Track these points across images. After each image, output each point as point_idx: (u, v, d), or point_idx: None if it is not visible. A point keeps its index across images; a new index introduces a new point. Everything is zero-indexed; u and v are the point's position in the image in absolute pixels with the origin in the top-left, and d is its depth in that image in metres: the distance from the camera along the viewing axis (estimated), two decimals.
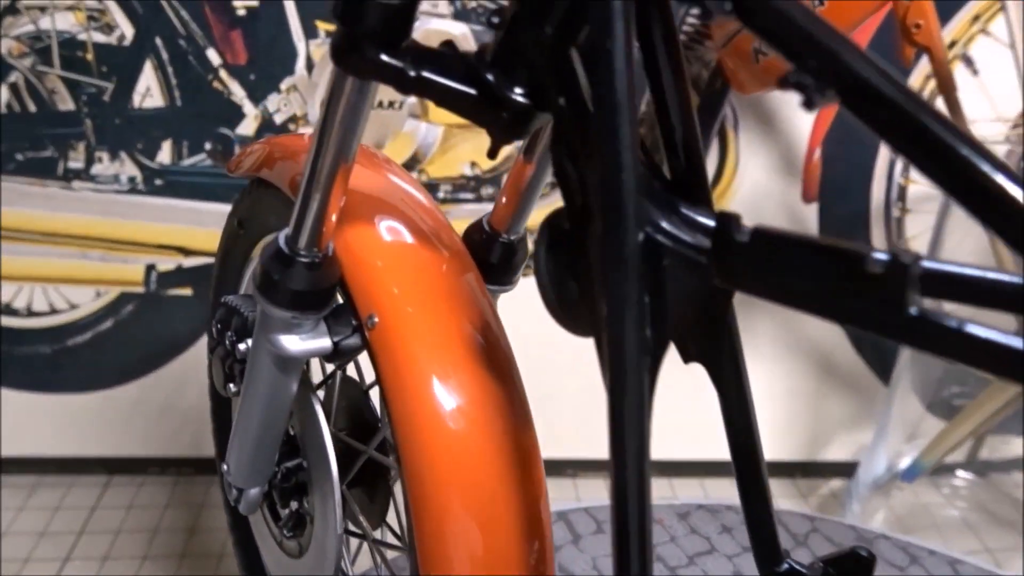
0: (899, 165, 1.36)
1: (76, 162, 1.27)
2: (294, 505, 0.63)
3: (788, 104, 1.30)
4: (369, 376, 0.65)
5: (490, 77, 0.42)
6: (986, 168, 0.30)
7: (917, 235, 1.39)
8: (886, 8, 1.06)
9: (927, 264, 0.30)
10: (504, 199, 0.57)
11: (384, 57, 0.42)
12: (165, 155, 1.28)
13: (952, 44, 1.28)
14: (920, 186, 1.37)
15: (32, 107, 1.24)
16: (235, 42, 1.23)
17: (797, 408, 1.50)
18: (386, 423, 0.58)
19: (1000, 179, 0.29)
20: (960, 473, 1.42)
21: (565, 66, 0.39)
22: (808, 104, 0.32)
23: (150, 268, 1.35)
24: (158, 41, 1.22)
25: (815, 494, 1.50)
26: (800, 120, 1.33)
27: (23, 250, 1.31)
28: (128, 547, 1.32)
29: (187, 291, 1.37)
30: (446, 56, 0.43)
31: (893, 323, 0.31)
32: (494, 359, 0.49)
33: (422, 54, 0.43)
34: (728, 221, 0.35)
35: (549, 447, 0.53)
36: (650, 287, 0.37)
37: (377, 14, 0.41)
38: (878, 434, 1.34)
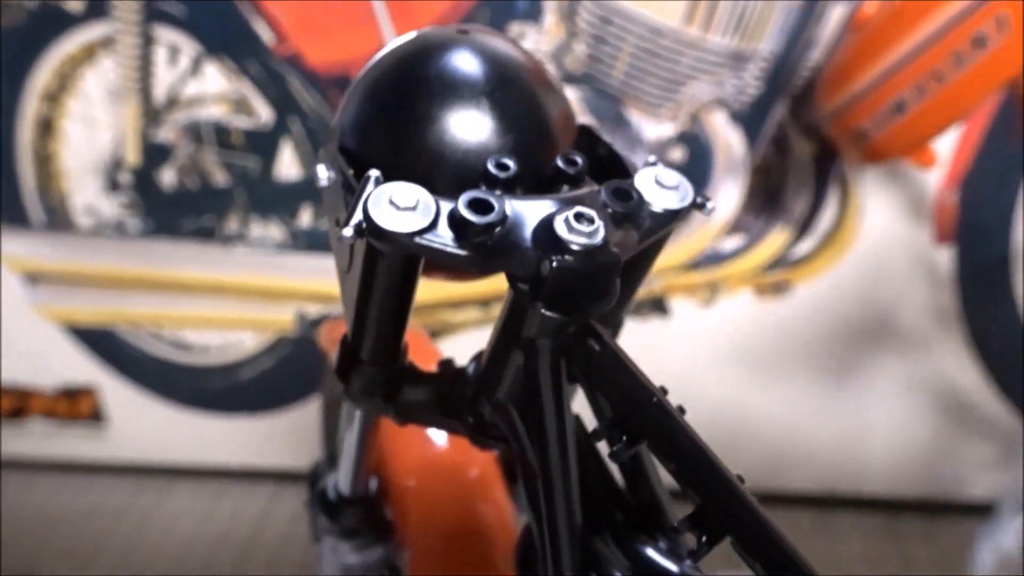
0: None
1: (232, 227, 1.44)
2: None
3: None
4: None
5: (468, 419, 0.48)
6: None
7: None
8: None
9: None
10: None
11: (380, 401, 0.49)
12: (306, 218, 1.42)
13: None
14: None
15: (194, 184, 1.41)
16: None
17: (929, 445, 1.46)
18: None
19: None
20: None
21: (508, 419, 0.45)
22: (695, 557, 0.37)
23: (300, 315, 1.51)
24: (293, 123, 1.34)
25: (943, 534, 1.46)
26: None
27: (196, 301, 1.52)
28: (293, 554, 1.53)
29: None
30: (438, 386, 0.49)
31: None
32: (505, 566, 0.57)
33: (416, 384, 0.49)
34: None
35: None
36: None
37: (366, 380, 0.48)
38: (1010, 491, 1.28)
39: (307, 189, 1.40)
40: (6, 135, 1.37)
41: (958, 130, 1.17)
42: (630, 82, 1.24)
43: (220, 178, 1.40)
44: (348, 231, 0.38)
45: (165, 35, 1.29)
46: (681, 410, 0.40)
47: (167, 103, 1.34)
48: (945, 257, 1.32)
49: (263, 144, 1.36)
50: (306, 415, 1.61)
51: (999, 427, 1.42)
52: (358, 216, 0.38)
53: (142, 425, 1.65)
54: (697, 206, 0.44)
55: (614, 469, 0.47)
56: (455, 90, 0.43)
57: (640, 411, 0.38)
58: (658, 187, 0.43)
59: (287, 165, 1.38)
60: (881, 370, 1.43)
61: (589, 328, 0.40)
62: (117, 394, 1.62)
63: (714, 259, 1.37)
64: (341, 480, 0.59)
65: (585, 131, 0.48)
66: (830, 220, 1.33)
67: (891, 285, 1.36)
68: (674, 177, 0.43)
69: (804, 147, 1.26)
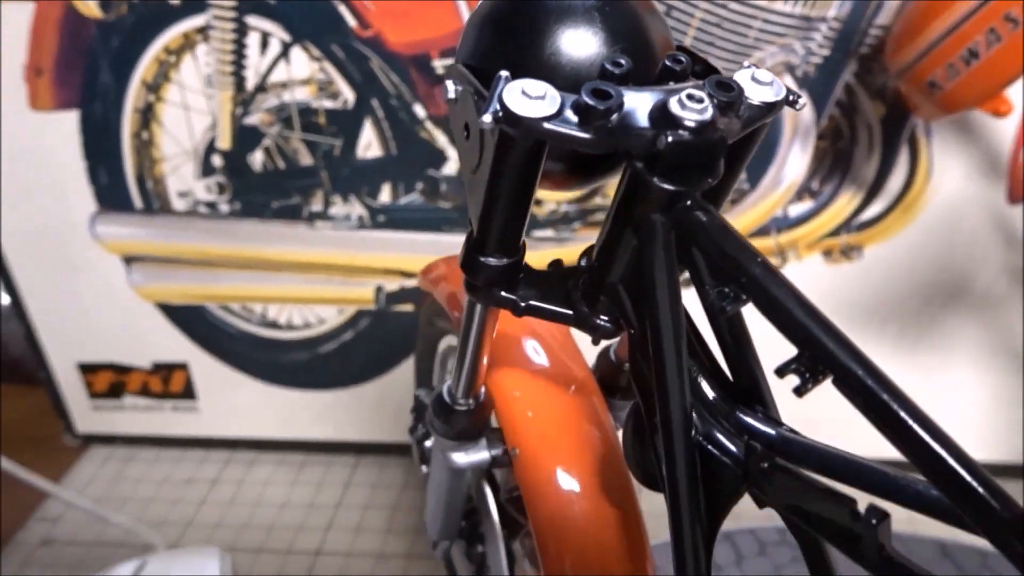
0: None
1: (316, 206, 1.52)
2: (479, 548, 0.79)
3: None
4: None
5: (581, 306, 0.52)
6: (950, 458, 0.36)
7: None
8: None
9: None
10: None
11: (502, 293, 0.54)
12: (385, 196, 1.49)
13: None
14: None
15: (281, 164, 1.49)
16: (437, 96, 1.39)
17: (1011, 410, 1.46)
18: None
19: (960, 467, 0.36)
20: None
21: (619, 302, 0.49)
22: (798, 392, 0.40)
23: (379, 289, 1.58)
24: (374, 102, 1.41)
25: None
26: (998, 121, 1.26)
27: (281, 278, 1.60)
28: (375, 521, 1.60)
29: (409, 307, 1.59)
30: (550, 282, 0.54)
31: (870, 559, 0.39)
32: (614, 482, 0.61)
33: (529, 284, 0.54)
34: (756, 440, 0.44)
35: None
36: (704, 481, 0.47)
37: (490, 271, 0.53)
38: None
39: (386, 167, 1.46)
40: (114, 125, 1.47)
41: None
42: (700, 48, 1.28)
43: (305, 158, 1.48)
44: (487, 118, 0.43)
45: (257, 23, 1.37)
46: None
47: (257, 88, 1.42)
48: (1020, 216, 1.33)
49: (346, 124, 1.44)
50: (382, 388, 1.68)
51: None
52: (495, 106, 0.43)
53: (230, 401, 1.74)
54: (790, 102, 0.48)
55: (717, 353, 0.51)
56: (569, 6, 0.48)
57: (747, 270, 0.42)
58: (755, 83, 0.47)
59: (368, 145, 1.45)
60: (957, 334, 1.43)
61: (698, 202, 0.45)
62: (207, 370, 1.70)
63: (783, 223, 1.40)
64: (455, 385, 0.64)
65: (682, 49, 0.53)
66: (900, 182, 1.34)
67: (965, 247, 1.37)
68: (768, 76, 0.48)
69: (873, 109, 1.28)
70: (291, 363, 1.69)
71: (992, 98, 1.04)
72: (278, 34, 1.38)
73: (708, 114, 0.43)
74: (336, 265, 1.57)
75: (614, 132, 0.43)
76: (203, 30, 1.38)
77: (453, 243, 1.50)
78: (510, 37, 0.49)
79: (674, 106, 0.43)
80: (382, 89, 1.39)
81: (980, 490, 0.36)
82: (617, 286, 0.50)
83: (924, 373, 1.46)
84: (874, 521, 0.39)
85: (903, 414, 0.38)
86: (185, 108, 1.45)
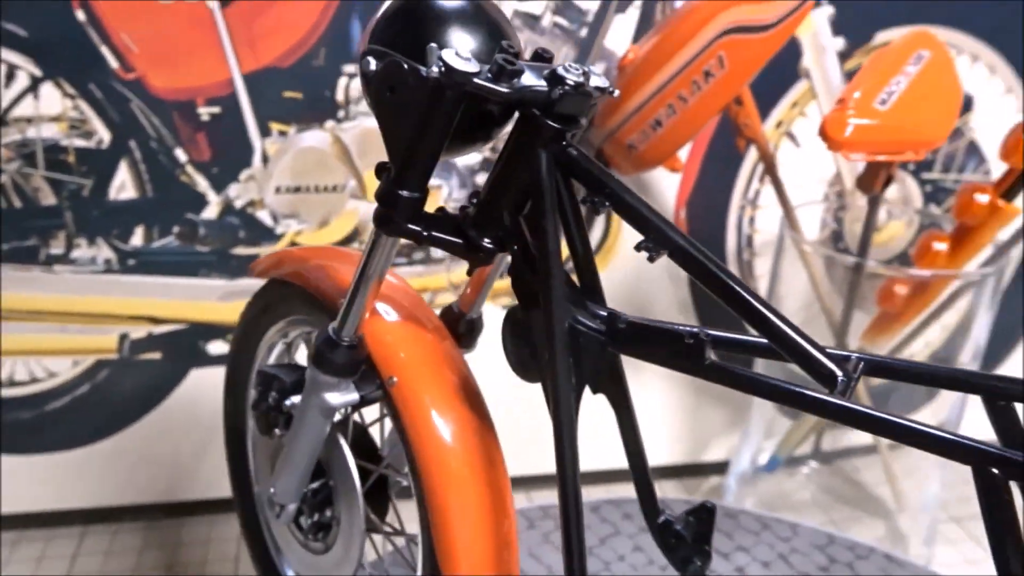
0: (745, 219, 1.70)
1: (57, 249, 1.45)
2: (323, 513, 0.86)
3: (657, 178, 1.62)
4: (368, 417, 0.90)
5: (472, 233, 0.68)
6: (755, 303, 0.58)
7: (763, 274, 1.73)
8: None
9: (714, 334, 0.59)
10: (468, 290, 0.84)
11: (409, 225, 0.68)
12: (138, 239, 1.48)
13: (779, 124, 1.64)
14: (763, 236, 1.71)
15: (17, 203, 1.42)
16: (200, 142, 1.45)
17: (681, 419, 1.82)
18: (393, 450, 0.84)
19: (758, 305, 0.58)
20: (809, 463, 1.76)
21: (517, 228, 0.66)
22: (650, 260, 0.61)
23: (123, 337, 1.54)
24: (132, 144, 1.42)
25: (699, 490, 1.81)
26: (667, 189, 1.65)
27: (8, 328, 1.48)
28: None
29: (157, 355, 1.56)
30: (444, 219, 0.69)
31: (700, 369, 0.59)
32: (472, 400, 0.75)
33: (428, 219, 0.69)
34: (615, 315, 0.63)
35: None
36: (573, 353, 0.64)
37: (405, 203, 0.66)
38: (744, 436, 1.66)
39: (141, 209, 1.46)
40: None
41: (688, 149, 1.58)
42: None
43: (47, 198, 1.42)
44: (434, 70, 0.59)
45: (3, 56, 1.33)
46: None
47: None
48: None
49: (99, 164, 1.42)
50: (117, 446, 1.60)
51: (729, 399, 1.81)
52: (439, 63, 0.59)
53: None
54: (611, 92, 0.70)
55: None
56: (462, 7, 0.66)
57: (608, 186, 0.62)
58: (594, 75, 0.68)
59: (122, 186, 1.44)
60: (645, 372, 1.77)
61: (571, 143, 0.64)
62: None
63: None
64: (340, 326, 0.74)
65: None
66: (599, 233, 1.67)
67: (648, 285, 1.72)
68: (601, 72, 0.69)
69: None
70: (10, 424, 1.54)
71: (670, 157, 1.39)
72: (27, 68, 1.35)
73: (582, 78, 0.62)
74: (75, 312, 1.50)
75: (521, 89, 0.61)
76: None
77: (211, 287, 1.52)
78: (414, 29, 0.65)
79: (561, 71, 0.62)
80: (142, 131, 1.42)
81: (789, 333, 0.57)
82: (505, 214, 0.67)
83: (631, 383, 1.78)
84: (704, 337, 0.59)
85: (724, 278, 0.60)
86: None
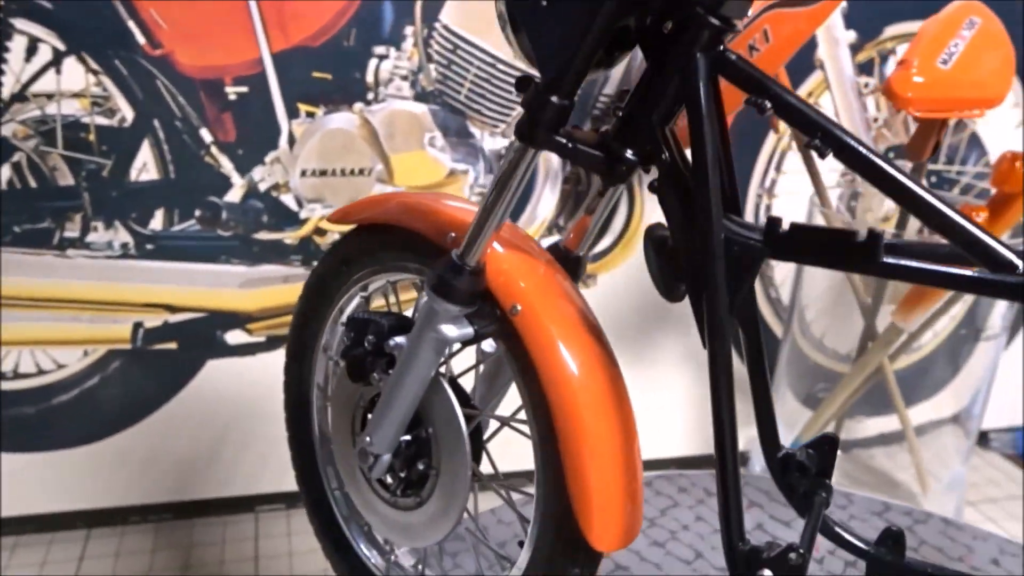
0: (762, 208, 1.72)
1: (72, 232, 1.39)
2: (420, 465, 0.82)
3: None
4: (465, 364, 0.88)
5: (614, 146, 0.67)
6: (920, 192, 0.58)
7: (778, 263, 1.75)
8: None
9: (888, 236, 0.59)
10: (571, 234, 0.84)
11: (555, 136, 0.66)
12: (157, 222, 1.43)
13: None
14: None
15: (33, 183, 1.35)
16: (226, 122, 1.41)
17: (697, 411, 1.82)
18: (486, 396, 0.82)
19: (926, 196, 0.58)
20: None
21: (667, 140, 0.66)
22: (821, 155, 0.61)
23: (138, 326, 1.47)
24: (156, 123, 1.38)
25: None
26: None
27: (17, 316, 1.40)
28: None
29: (172, 345, 1.50)
30: (579, 136, 0.68)
31: (874, 267, 0.59)
32: (594, 332, 0.74)
33: (570, 133, 0.67)
34: (775, 220, 0.63)
35: None
36: (728, 266, 0.64)
37: (553, 110, 0.65)
38: None
39: (162, 191, 1.41)
40: None
41: None
42: (472, 101, 1.50)
43: (65, 178, 1.36)
44: None
45: (25, 27, 1.28)
46: None
47: (14, 95, 1.30)
48: None
49: (120, 143, 1.37)
50: (126, 443, 1.52)
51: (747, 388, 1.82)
52: None
53: None
54: None
55: None
56: None
57: (769, 88, 0.62)
58: None
59: (143, 167, 1.39)
60: (663, 344, 1.77)
61: (728, 47, 0.64)
62: None
63: None
64: (466, 252, 0.72)
65: None
66: (621, 221, 1.68)
67: None
68: None
69: None
70: (12, 420, 1.45)
71: None
72: (51, 41, 1.30)
73: None
74: (88, 299, 1.43)
75: None
76: None
77: (232, 273, 1.47)
78: None
79: None
80: (167, 110, 1.37)
81: (967, 226, 0.58)
82: (654, 126, 0.66)
83: (642, 374, 1.77)
84: (875, 234, 0.59)
85: (895, 175, 0.60)
86: None
